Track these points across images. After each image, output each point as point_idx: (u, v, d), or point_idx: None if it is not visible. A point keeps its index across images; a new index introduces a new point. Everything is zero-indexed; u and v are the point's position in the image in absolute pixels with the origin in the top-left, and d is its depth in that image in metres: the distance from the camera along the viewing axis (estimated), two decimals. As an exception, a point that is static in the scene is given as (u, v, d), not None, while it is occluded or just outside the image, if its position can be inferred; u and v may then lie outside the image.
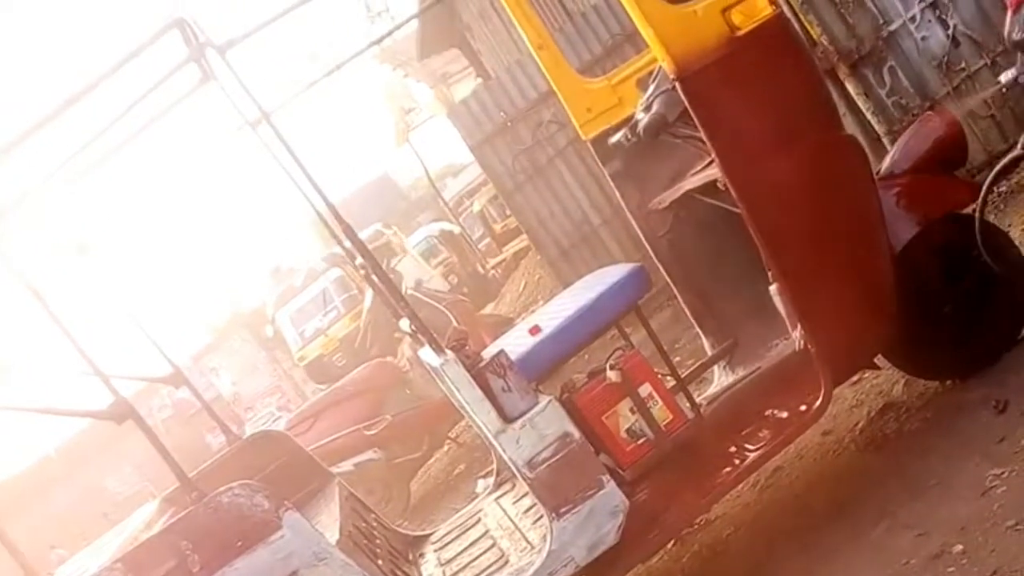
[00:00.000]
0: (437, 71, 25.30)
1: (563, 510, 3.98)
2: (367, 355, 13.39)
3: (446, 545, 4.93)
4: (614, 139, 4.81)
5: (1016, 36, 3.46)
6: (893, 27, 6.65)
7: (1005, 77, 3.57)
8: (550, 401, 4.04)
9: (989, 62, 6.60)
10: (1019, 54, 3.51)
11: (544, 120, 10.36)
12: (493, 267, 23.15)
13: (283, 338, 21.07)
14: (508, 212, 16.69)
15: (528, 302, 15.77)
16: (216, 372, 27.41)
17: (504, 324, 11.49)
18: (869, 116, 6.64)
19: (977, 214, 3.89)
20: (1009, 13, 3.47)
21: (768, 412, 4.31)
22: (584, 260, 10.26)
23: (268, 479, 5.37)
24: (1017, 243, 4.67)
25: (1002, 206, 6.14)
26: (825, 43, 6.56)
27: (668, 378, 4.60)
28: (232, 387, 27.38)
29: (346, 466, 9.06)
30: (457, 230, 25.18)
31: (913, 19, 6.62)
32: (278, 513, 3.86)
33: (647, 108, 4.35)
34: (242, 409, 25.67)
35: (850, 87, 6.63)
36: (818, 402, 4.04)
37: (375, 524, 5.11)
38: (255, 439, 5.78)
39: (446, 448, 10.69)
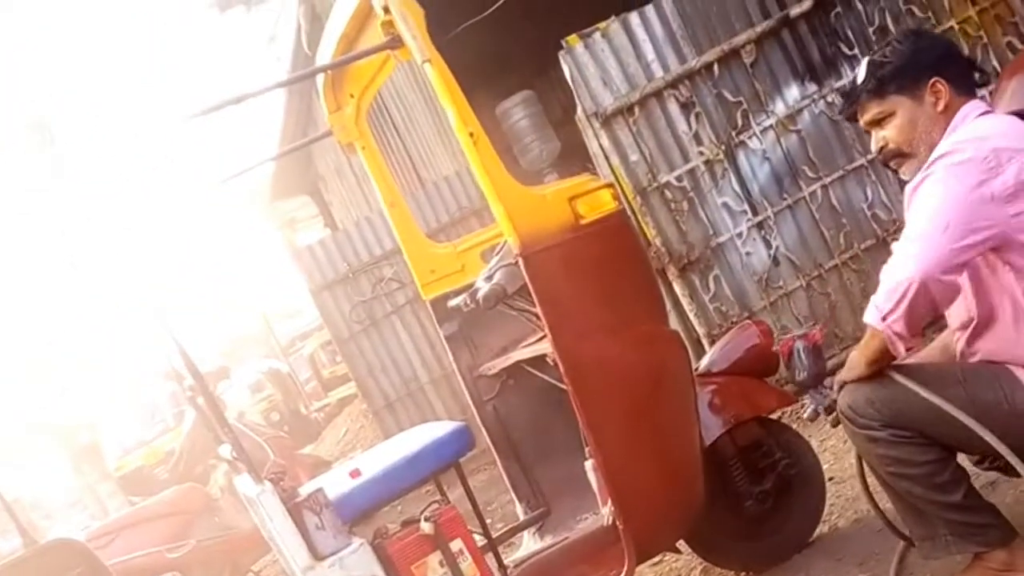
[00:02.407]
0: (286, 214, 25.28)
1: (364, 654, 3.84)
2: (188, 475, 12.98)
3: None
4: (453, 303, 4.80)
5: (799, 377, 3.59)
6: (722, 239, 6.88)
7: (807, 412, 3.68)
8: (362, 544, 3.92)
9: (804, 284, 6.90)
10: (809, 391, 3.63)
11: (385, 277, 10.39)
12: (317, 410, 22.86)
13: (99, 448, 20.30)
14: (339, 359, 16.56)
15: (347, 448, 15.55)
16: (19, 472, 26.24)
17: (321, 465, 11.27)
18: (692, 317, 6.81)
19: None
20: (783, 362, 3.62)
21: (572, 581, 4.25)
22: (408, 414, 10.25)
23: (62, 587, 5.12)
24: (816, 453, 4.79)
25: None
26: (659, 244, 6.73)
27: (480, 537, 4.55)
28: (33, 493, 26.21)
29: (142, 586, 8.66)
30: (285, 369, 24.87)
31: (740, 235, 6.87)
32: (70, 623, 3.66)
33: (488, 278, 4.36)
34: (41, 516, 24.54)
35: (677, 288, 6.80)
36: (620, 577, 4.01)
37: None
38: (53, 545, 5.52)
39: (247, 581, 10.32)
